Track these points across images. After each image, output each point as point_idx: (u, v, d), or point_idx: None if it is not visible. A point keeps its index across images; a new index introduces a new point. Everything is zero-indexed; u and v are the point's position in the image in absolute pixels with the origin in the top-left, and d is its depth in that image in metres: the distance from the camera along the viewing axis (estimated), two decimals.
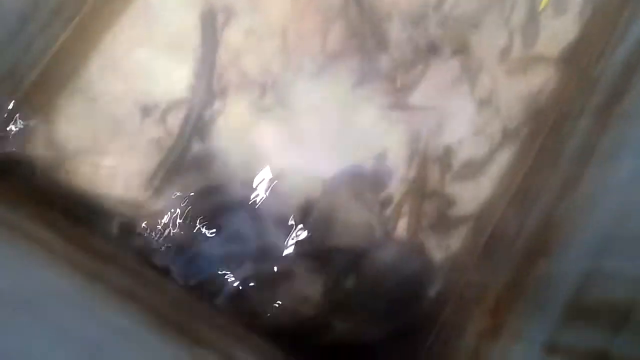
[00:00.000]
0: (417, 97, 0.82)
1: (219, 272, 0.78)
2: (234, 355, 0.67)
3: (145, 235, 0.78)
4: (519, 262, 0.65)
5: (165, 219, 0.78)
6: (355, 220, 0.79)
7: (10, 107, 0.77)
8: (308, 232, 0.79)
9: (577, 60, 0.80)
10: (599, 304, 0.48)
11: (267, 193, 0.79)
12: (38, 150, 0.78)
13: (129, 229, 0.78)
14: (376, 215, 0.79)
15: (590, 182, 0.60)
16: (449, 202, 0.80)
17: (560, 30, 0.83)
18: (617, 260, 0.50)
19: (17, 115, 0.78)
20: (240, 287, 0.78)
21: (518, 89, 0.82)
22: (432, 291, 0.78)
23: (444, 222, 0.80)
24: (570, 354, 0.48)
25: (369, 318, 0.78)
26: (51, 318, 0.44)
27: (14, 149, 0.78)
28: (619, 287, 0.47)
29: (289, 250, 0.78)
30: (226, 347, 0.68)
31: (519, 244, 0.68)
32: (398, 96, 0.81)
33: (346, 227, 0.79)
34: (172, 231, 0.78)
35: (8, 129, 0.78)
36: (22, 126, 0.79)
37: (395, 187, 0.80)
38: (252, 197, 0.79)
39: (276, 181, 0.79)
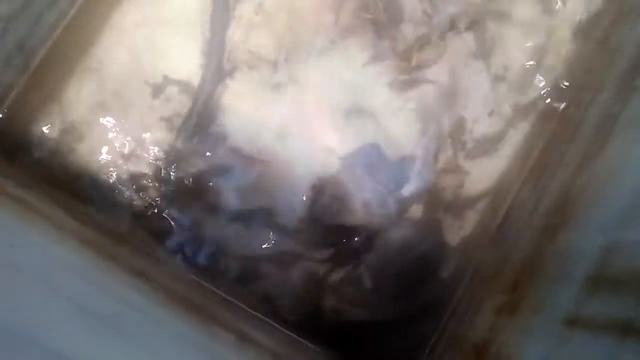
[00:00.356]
0: (430, 74, 0.80)
1: (229, 253, 0.77)
2: (248, 334, 0.66)
3: (157, 214, 0.77)
4: (537, 237, 0.64)
5: (177, 199, 0.78)
6: (368, 198, 0.78)
7: (20, 84, 0.77)
8: (321, 211, 0.78)
9: (595, 31, 0.78)
10: (622, 274, 0.47)
11: (279, 172, 0.79)
12: (49, 130, 0.78)
13: (140, 209, 0.78)
14: (390, 194, 0.78)
15: (611, 154, 0.59)
16: (464, 180, 0.79)
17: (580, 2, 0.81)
18: None
19: (28, 93, 0.78)
20: (251, 268, 0.77)
21: (534, 63, 0.80)
22: (447, 270, 0.77)
23: (459, 200, 0.79)
24: (593, 325, 0.47)
25: (382, 297, 0.78)
26: (65, 291, 0.44)
27: (24, 129, 0.78)
28: None
29: (301, 230, 0.78)
30: (240, 327, 0.68)
31: (536, 219, 0.67)
32: (411, 73, 0.80)
33: (359, 206, 0.78)
34: (183, 211, 0.78)
35: (18, 107, 0.78)
36: (32, 105, 0.78)
37: (409, 166, 0.79)
38: (263, 176, 0.78)
39: (288, 160, 0.79)
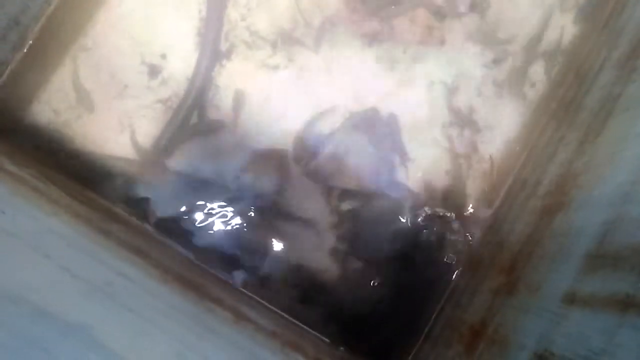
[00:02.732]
0: (430, 55, 0.80)
1: (224, 233, 0.76)
2: (242, 311, 0.66)
3: (152, 196, 0.77)
4: (536, 218, 0.64)
5: (172, 180, 0.77)
6: (366, 167, 0.77)
7: (16, 61, 0.76)
8: (319, 182, 0.77)
9: (598, 13, 0.77)
10: (622, 250, 0.46)
11: (277, 152, 0.78)
12: (43, 108, 0.77)
13: (135, 189, 0.77)
14: (388, 170, 0.78)
15: (611, 133, 0.58)
16: (463, 163, 0.78)
17: None
18: None
19: (23, 71, 0.77)
20: (247, 248, 0.77)
21: (537, 45, 0.79)
22: (444, 254, 0.77)
23: (457, 184, 0.78)
24: (592, 302, 0.46)
25: (376, 280, 0.77)
26: (57, 258, 0.43)
27: (19, 107, 0.77)
28: None
29: (297, 202, 0.77)
30: (236, 306, 0.67)
31: (535, 201, 0.67)
32: (412, 53, 0.79)
33: (354, 180, 0.77)
34: (179, 192, 0.77)
35: (13, 85, 0.77)
36: (27, 83, 0.77)
37: (407, 143, 0.78)
38: (260, 152, 0.78)
39: (287, 138, 0.78)
